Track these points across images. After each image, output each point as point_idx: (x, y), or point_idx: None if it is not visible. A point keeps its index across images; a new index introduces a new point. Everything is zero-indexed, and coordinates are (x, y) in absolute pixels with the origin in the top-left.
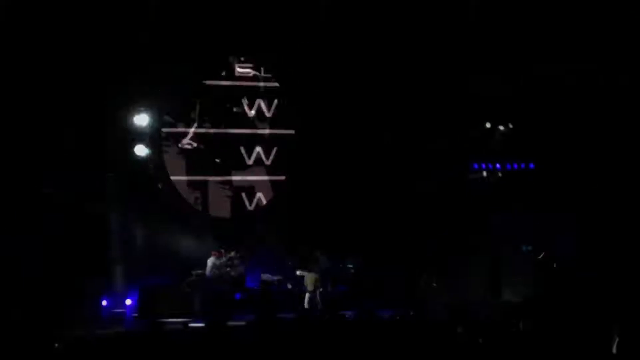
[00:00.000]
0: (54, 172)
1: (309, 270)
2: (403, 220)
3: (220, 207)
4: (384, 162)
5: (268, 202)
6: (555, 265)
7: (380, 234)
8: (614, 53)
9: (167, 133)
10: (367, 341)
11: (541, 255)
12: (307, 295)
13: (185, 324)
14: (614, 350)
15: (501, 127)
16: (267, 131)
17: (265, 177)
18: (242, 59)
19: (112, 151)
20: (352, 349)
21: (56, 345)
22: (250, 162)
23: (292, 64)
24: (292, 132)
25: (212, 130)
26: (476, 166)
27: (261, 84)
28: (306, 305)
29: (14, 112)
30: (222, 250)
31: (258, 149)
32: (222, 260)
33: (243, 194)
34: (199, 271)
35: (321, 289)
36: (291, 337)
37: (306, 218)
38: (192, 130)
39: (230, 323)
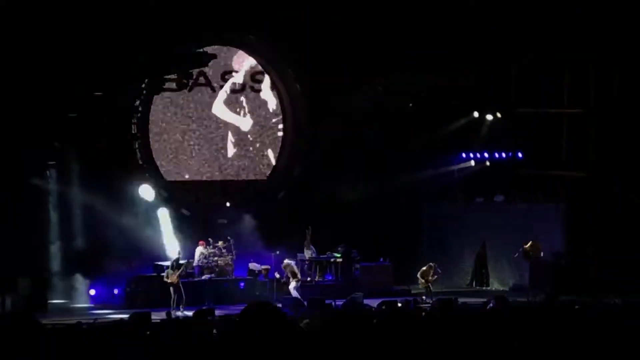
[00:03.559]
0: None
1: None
2: (392, 211)
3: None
4: (372, 153)
5: (257, 190)
6: (542, 254)
7: (369, 225)
8: (603, 43)
9: None
10: (354, 331)
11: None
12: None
13: (169, 312)
14: None
15: (489, 117)
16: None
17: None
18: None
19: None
20: (339, 339)
21: None
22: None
23: None
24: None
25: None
26: (464, 155)
27: None
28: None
29: None
30: (210, 240)
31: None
32: (210, 250)
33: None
34: (188, 260)
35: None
36: (276, 327)
37: (295, 207)
38: None
39: (218, 312)
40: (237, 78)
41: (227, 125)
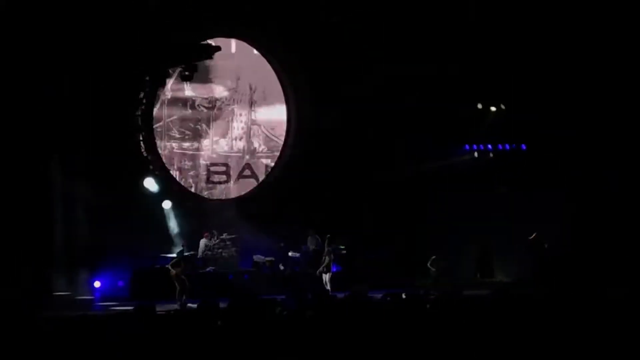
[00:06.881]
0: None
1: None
2: (395, 202)
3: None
4: (375, 143)
5: (259, 184)
6: (546, 246)
7: (371, 216)
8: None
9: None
10: (358, 322)
11: (532, 236)
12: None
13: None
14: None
15: (493, 108)
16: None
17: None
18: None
19: (106, 133)
20: (343, 330)
21: None
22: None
23: None
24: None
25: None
26: (467, 147)
27: None
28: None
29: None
30: (214, 232)
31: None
32: (214, 242)
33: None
34: (191, 252)
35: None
36: (281, 319)
37: (297, 200)
38: None
39: (222, 304)
40: None
41: None
